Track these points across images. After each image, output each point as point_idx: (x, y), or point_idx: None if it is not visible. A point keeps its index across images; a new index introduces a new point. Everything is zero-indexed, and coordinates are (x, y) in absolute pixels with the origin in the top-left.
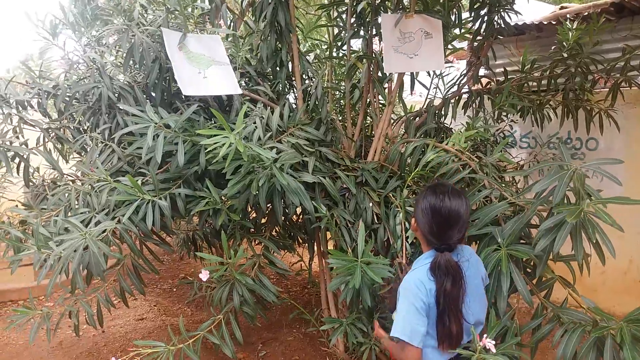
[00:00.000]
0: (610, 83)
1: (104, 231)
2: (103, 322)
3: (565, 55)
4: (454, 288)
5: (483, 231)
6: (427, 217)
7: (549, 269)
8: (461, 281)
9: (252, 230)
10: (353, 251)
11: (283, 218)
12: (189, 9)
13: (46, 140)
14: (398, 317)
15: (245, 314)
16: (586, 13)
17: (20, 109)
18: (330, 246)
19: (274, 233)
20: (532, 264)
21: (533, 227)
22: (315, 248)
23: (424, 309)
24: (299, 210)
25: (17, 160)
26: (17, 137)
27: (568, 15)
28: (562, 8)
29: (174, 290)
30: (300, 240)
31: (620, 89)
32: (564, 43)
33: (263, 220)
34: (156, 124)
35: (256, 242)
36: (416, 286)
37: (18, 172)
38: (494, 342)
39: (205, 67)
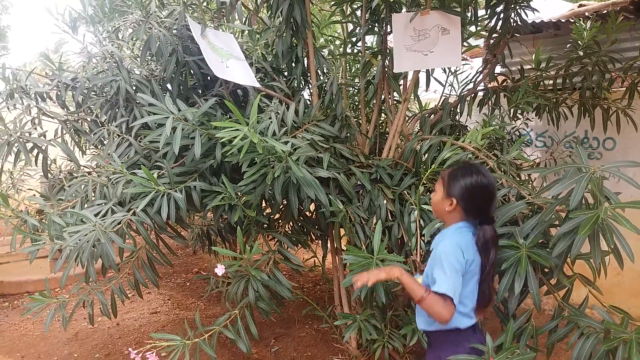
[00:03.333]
0: (628, 82)
1: (118, 223)
2: (117, 312)
3: (581, 53)
4: (495, 257)
5: (501, 231)
6: (473, 195)
7: (569, 267)
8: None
9: (267, 225)
10: (367, 248)
11: (297, 213)
12: (205, 3)
13: (64, 132)
14: (441, 276)
15: (261, 309)
16: (605, 11)
17: (40, 100)
18: (344, 243)
19: (288, 229)
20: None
21: (552, 227)
22: (329, 244)
23: (462, 272)
24: (312, 206)
25: (35, 151)
26: (36, 129)
27: (586, 13)
28: (580, 6)
29: (188, 284)
30: (314, 237)
31: (638, 88)
32: (580, 41)
33: (277, 216)
34: (175, 115)
35: (270, 238)
36: (455, 250)
37: (36, 163)
38: None
39: (226, 59)
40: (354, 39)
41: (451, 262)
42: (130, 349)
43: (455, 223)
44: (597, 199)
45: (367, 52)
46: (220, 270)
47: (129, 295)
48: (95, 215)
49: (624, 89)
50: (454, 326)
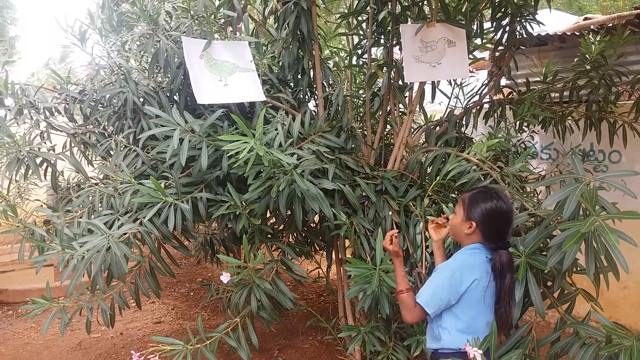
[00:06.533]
0: (635, 95)
1: (125, 233)
2: (114, 322)
3: (588, 67)
4: (512, 282)
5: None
6: (493, 220)
7: (571, 282)
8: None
9: (271, 235)
10: (372, 259)
11: (302, 224)
12: (213, 17)
13: (72, 145)
14: (428, 285)
15: (262, 318)
16: (610, 24)
17: (48, 114)
18: (349, 254)
19: (291, 239)
20: (553, 276)
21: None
22: (334, 255)
23: (454, 289)
24: (317, 218)
25: (44, 165)
26: (45, 143)
27: (592, 27)
28: (586, 19)
29: (191, 294)
30: (318, 247)
31: None
32: (587, 55)
33: (281, 226)
34: (182, 127)
35: (274, 248)
36: (456, 268)
37: (45, 177)
38: (480, 352)
39: (228, 75)
40: (359, 51)
41: (445, 276)
42: (133, 352)
43: (470, 244)
44: (590, 210)
45: (373, 64)
46: (225, 278)
47: (132, 304)
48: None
49: (631, 102)
50: (456, 347)
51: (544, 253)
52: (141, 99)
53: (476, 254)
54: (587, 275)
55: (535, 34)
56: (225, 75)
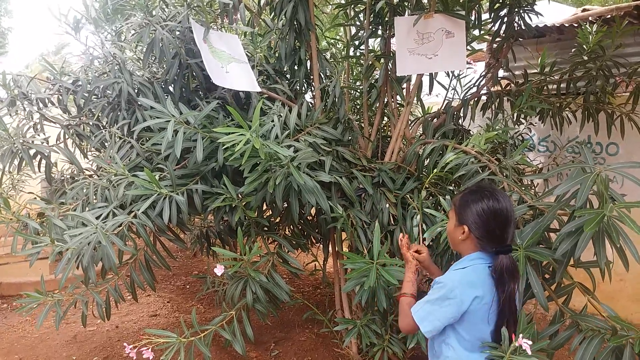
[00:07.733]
0: (632, 87)
1: (119, 225)
2: (110, 315)
3: (585, 57)
4: (513, 291)
5: None
6: (485, 221)
7: (568, 274)
8: (519, 283)
9: (267, 228)
10: (369, 252)
11: (298, 217)
12: (210, 5)
13: (66, 136)
14: (427, 301)
15: (258, 311)
16: (609, 16)
17: (41, 106)
18: (345, 247)
19: (288, 232)
20: (550, 269)
21: (552, 231)
22: (330, 248)
23: (453, 308)
24: (313, 210)
25: (38, 157)
26: (38, 135)
27: (590, 18)
28: (584, 10)
29: (187, 287)
30: (315, 240)
31: None
32: (584, 46)
33: (277, 219)
34: (176, 119)
35: (270, 241)
36: (457, 285)
37: (39, 169)
38: (530, 343)
39: (227, 63)
40: (357, 42)
41: (443, 295)
42: (125, 344)
43: (470, 254)
44: (604, 198)
45: (370, 55)
46: (219, 270)
47: (128, 297)
48: (97, 218)
49: (628, 93)
50: None
51: (542, 245)
52: (136, 90)
53: (478, 266)
54: (599, 265)
55: (533, 26)
56: (225, 63)
